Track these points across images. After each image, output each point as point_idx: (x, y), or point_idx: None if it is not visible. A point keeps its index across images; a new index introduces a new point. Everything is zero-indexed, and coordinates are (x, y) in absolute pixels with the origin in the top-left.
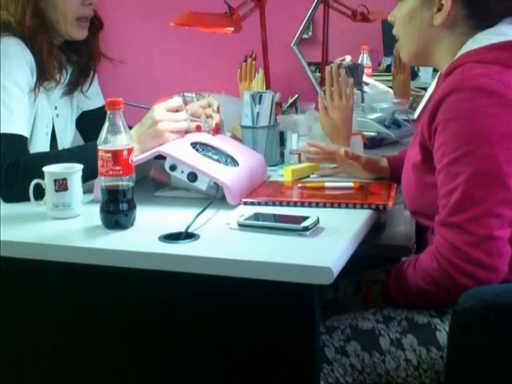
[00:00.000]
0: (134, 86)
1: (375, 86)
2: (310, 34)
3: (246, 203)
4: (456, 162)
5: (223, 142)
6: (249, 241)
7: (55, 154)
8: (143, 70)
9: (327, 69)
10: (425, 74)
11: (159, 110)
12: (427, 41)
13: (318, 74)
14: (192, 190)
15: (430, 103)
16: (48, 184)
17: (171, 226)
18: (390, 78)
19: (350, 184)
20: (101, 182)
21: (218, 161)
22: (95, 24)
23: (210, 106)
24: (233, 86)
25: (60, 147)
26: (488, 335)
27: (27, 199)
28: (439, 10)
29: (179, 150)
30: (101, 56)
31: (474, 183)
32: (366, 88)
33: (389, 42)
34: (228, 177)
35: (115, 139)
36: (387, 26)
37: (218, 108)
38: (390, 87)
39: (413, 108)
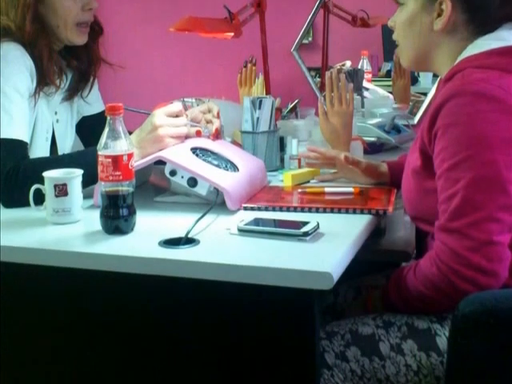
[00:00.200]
0: (134, 92)
1: (375, 92)
2: (310, 39)
3: (245, 208)
4: (456, 167)
5: (223, 148)
6: (249, 246)
7: (55, 160)
8: (143, 76)
9: (327, 74)
10: (425, 79)
11: (159, 116)
12: (427, 46)
13: (318, 80)
14: (192, 195)
15: (430, 108)
16: (48, 189)
17: (171, 231)
18: (390, 83)
19: (350, 189)
20: (101, 188)
21: (218, 166)
22: (95, 29)
23: (210, 111)
24: (233, 92)
25: (60, 152)
26: (488, 340)
27: (27, 204)
28: (439, 15)
29: (179, 156)
30: (101, 61)
31: (473, 188)
32: (366, 93)
33: (389, 47)
34: (228, 182)
35: (115, 144)
36: (387, 32)
37: (218, 113)
38: (390, 92)
39: (413, 113)
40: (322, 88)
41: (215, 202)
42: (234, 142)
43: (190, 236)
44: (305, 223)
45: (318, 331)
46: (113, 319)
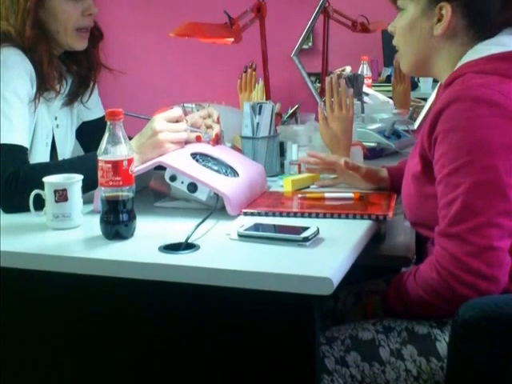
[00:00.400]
0: (134, 97)
1: (375, 97)
2: (310, 44)
3: (245, 214)
4: (456, 173)
5: (223, 153)
6: (249, 251)
7: (55, 165)
8: (143, 81)
9: (327, 79)
10: (425, 84)
11: (159, 121)
12: (427, 51)
13: (318, 85)
14: (192, 200)
15: (430, 114)
16: (48, 194)
17: (171, 236)
18: (390, 88)
19: (350, 194)
20: (101, 193)
21: (218, 171)
22: (95, 34)
23: (210, 116)
24: (233, 97)
25: (60, 158)
26: (488, 346)
27: (27, 210)
28: (439, 20)
29: (179, 161)
30: (101, 66)
31: (473, 193)
32: (366, 98)
33: (389, 52)
34: (228, 187)
35: (115, 150)
36: (387, 37)
37: (218, 118)
38: (390, 98)
39: (413, 118)
40: (321, 93)
41: (215, 208)
42: (234, 148)
43: (190, 241)
44: (305, 228)
45: (317, 336)
46: (113, 324)
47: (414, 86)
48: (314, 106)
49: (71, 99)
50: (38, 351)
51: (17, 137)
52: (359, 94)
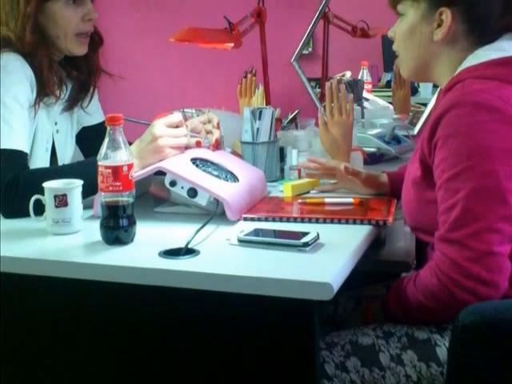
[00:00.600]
0: (134, 102)
1: (375, 102)
2: (310, 49)
3: (245, 219)
4: (456, 178)
5: (223, 158)
6: (249, 256)
7: (55, 170)
8: (143, 86)
9: (327, 84)
10: (425, 89)
11: (159, 126)
12: (427, 56)
13: (318, 90)
14: (192, 205)
15: (430, 119)
16: (48, 200)
17: (171, 241)
18: (390, 93)
19: (350, 200)
20: (101, 198)
21: (217, 176)
22: (95, 40)
23: (209, 121)
24: (233, 102)
25: (60, 163)
26: (488, 351)
27: (27, 215)
28: (439, 25)
29: (179, 166)
30: (101, 72)
31: (473, 199)
32: (365, 104)
33: (389, 57)
34: (228, 192)
35: (115, 155)
36: (387, 42)
37: (218, 124)
38: (390, 103)
39: (413, 124)
40: (321, 98)
41: (215, 213)
42: (234, 153)
43: (190, 246)
44: (305, 234)
45: (317, 342)
46: (113, 329)
47: (414, 91)
48: (314, 111)
49: (71, 104)
50: (38, 356)
51: (17, 142)
52: (359, 100)
